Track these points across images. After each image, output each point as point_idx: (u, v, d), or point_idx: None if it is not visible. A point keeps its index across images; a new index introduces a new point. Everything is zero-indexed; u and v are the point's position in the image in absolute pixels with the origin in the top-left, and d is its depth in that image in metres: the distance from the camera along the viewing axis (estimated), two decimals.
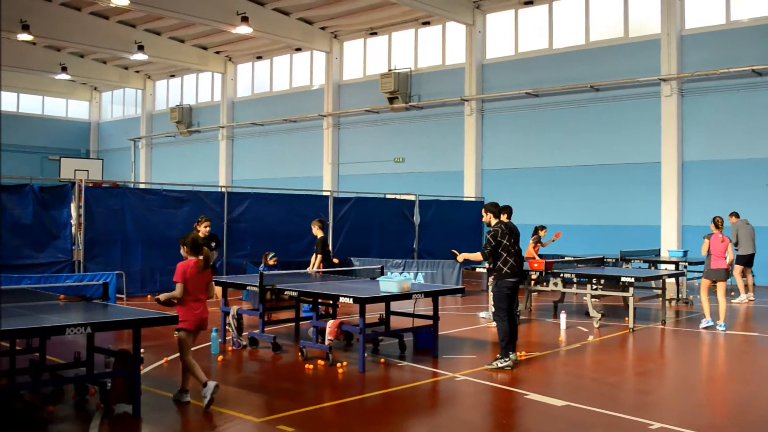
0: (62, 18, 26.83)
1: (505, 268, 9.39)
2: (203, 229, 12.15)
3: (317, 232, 14.04)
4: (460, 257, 10.34)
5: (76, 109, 40.47)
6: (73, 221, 16.53)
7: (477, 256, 9.96)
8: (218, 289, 11.88)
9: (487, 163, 24.25)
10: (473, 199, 23.95)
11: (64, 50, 32.56)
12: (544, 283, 14.08)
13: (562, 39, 22.90)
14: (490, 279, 10.11)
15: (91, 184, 17.31)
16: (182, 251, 7.85)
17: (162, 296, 7.66)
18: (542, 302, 16.20)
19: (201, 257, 7.74)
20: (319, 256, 13.89)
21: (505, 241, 9.44)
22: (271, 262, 14.28)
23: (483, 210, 9.92)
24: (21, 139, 36.96)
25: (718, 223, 12.86)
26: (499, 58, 24.24)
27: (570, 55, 22.57)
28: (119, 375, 7.20)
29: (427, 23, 25.87)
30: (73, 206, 16.30)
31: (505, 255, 9.41)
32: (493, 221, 9.70)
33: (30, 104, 38.65)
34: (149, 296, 8.78)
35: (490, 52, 24.48)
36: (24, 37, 25.27)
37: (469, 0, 23.84)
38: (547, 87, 22.64)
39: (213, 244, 12.19)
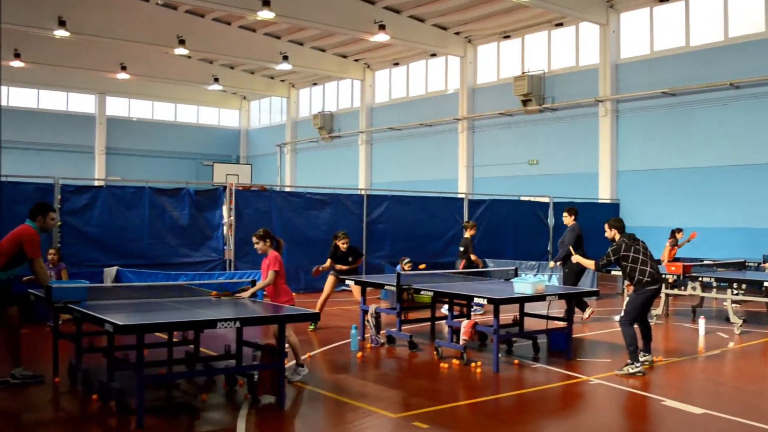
0: (214, 32, 28.08)
1: (645, 278, 9.06)
2: (342, 245, 12.33)
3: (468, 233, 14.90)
4: (575, 258, 10.09)
5: (227, 117, 42.17)
6: (225, 222, 17.26)
7: (590, 263, 9.66)
8: (357, 288, 12.14)
9: (623, 165, 23.49)
10: (608, 201, 23.27)
11: (216, 62, 34.03)
12: (682, 287, 13.50)
13: (700, 36, 21.84)
14: (626, 283, 9.83)
15: (241, 188, 18.01)
16: (263, 245, 8.60)
17: (250, 291, 8.46)
18: (679, 306, 15.55)
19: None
20: (473, 256, 14.59)
21: (632, 254, 9.12)
22: (405, 268, 14.41)
23: (606, 225, 9.60)
24: (178, 146, 38.96)
25: None
26: (633, 57, 23.42)
27: (708, 52, 21.51)
28: (265, 368, 7.46)
29: (560, 24, 25.34)
30: (224, 208, 17.03)
31: (639, 265, 9.08)
32: (617, 236, 9.40)
33: (186, 114, 40.63)
34: (213, 292, 9.03)
35: (624, 51, 23.70)
36: (180, 51, 26.57)
37: (602, 0, 23.19)
38: (684, 86, 21.67)
39: (350, 258, 12.38)
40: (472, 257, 14.83)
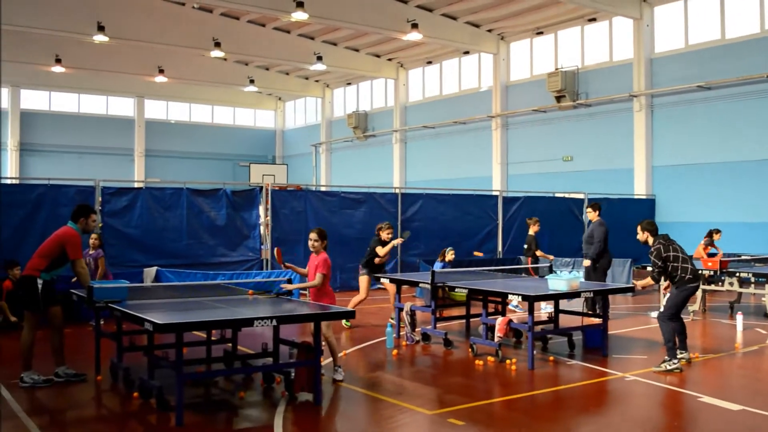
0: (249, 34, 28.28)
1: (687, 275, 8.95)
2: (385, 235, 12.28)
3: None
4: (639, 286, 9.80)
5: (263, 118, 42.44)
6: (262, 222, 17.40)
7: (648, 281, 9.38)
8: (392, 286, 12.15)
9: (658, 160, 23.18)
10: (644, 197, 23.00)
11: (251, 64, 34.26)
12: (719, 283, 13.31)
13: (735, 28, 21.46)
14: (662, 284, 9.71)
15: (277, 188, 18.17)
16: (320, 244, 8.44)
17: (295, 287, 8.63)
18: (716, 302, 15.33)
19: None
20: (539, 252, 14.72)
21: (671, 253, 9.01)
22: (449, 257, 14.40)
23: (639, 228, 9.46)
24: (215, 148, 39.30)
25: None
26: (668, 51, 23.10)
27: (744, 44, 21.12)
28: (302, 365, 7.52)
29: (593, 20, 25.08)
30: (261, 208, 17.17)
31: (680, 264, 8.97)
32: (651, 239, 9.26)
33: (222, 115, 40.97)
34: (250, 291, 9.08)
35: (658, 45, 23.39)
36: (216, 53, 26.80)
37: None
38: (720, 79, 21.31)
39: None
40: (538, 253, 14.72)
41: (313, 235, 8.49)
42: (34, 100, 35.48)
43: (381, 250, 12.04)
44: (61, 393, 7.87)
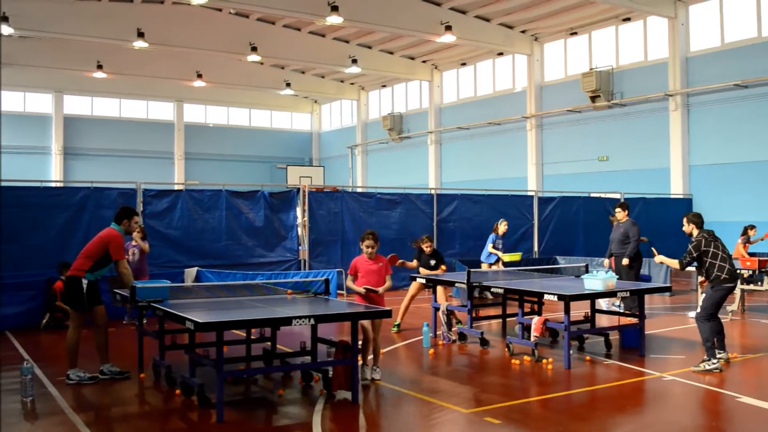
0: (285, 39, 28.50)
1: (723, 274, 8.82)
2: (425, 248, 12.31)
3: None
4: (657, 258, 9.80)
5: (299, 121, 42.67)
6: (299, 223, 17.51)
7: (674, 263, 9.29)
8: (441, 288, 12.17)
9: (695, 159, 22.86)
10: (681, 197, 22.70)
11: (288, 68, 34.49)
12: (758, 283, 13.09)
13: None
14: (700, 279, 9.58)
15: (314, 189, 18.23)
16: (376, 247, 8.51)
17: (381, 288, 8.38)
18: (755, 302, 15.07)
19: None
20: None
21: (711, 249, 8.87)
22: (502, 229, 15.92)
23: (684, 220, 9.35)
24: (252, 150, 39.60)
25: None
26: (703, 50, 22.78)
27: None
28: (339, 364, 7.55)
29: (627, 19, 24.83)
30: (298, 210, 17.28)
31: (718, 261, 8.84)
32: (695, 232, 9.14)
33: (260, 118, 41.28)
34: (289, 291, 9.09)
35: (694, 44, 23.07)
36: (253, 58, 27.02)
37: None
38: (757, 77, 20.95)
39: (433, 262, 12.36)
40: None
41: (370, 241, 8.47)
42: (77, 105, 36.10)
43: (423, 270, 12.14)
44: (106, 390, 8.01)
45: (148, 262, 13.50)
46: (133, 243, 12.65)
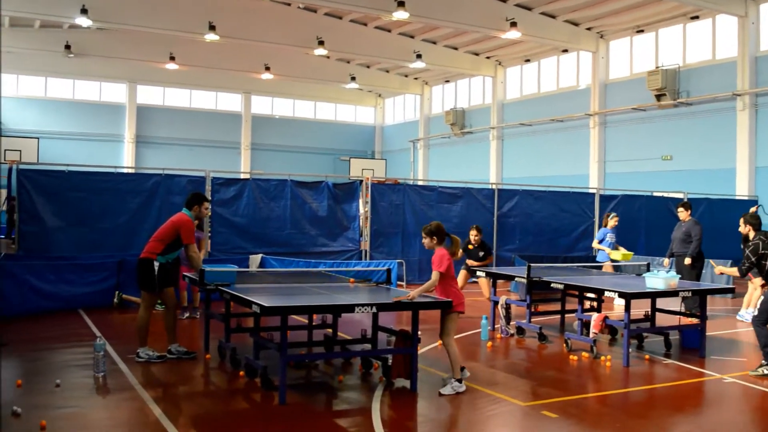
0: (351, 33, 28.62)
1: None
2: (473, 238, 12.32)
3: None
4: (717, 269, 9.55)
5: (363, 114, 42.84)
6: (361, 214, 17.61)
7: (734, 271, 9.04)
8: (485, 283, 12.14)
9: (762, 160, 22.17)
10: (746, 198, 22.06)
11: (353, 62, 34.64)
12: None
13: None
14: (759, 282, 9.32)
15: (376, 182, 18.31)
16: (430, 241, 7.67)
17: (415, 292, 7.41)
18: None
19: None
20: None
21: None
22: (612, 222, 14.58)
23: (741, 220, 9.09)
24: (317, 142, 39.92)
25: None
26: None
27: None
28: (399, 352, 7.58)
29: (695, 17, 24.20)
30: (360, 201, 17.38)
31: None
32: (752, 234, 8.88)
33: (324, 111, 41.58)
34: (351, 279, 9.07)
35: (764, 43, 22.34)
36: (320, 51, 27.20)
37: None
38: None
39: (481, 254, 12.33)
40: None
41: (422, 233, 7.76)
42: (149, 95, 36.92)
43: (470, 262, 12.31)
44: (173, 369, 8.21)
45: (215, 248, 13.76)
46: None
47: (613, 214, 14.98)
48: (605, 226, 14.76)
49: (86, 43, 29.30)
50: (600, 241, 14.64)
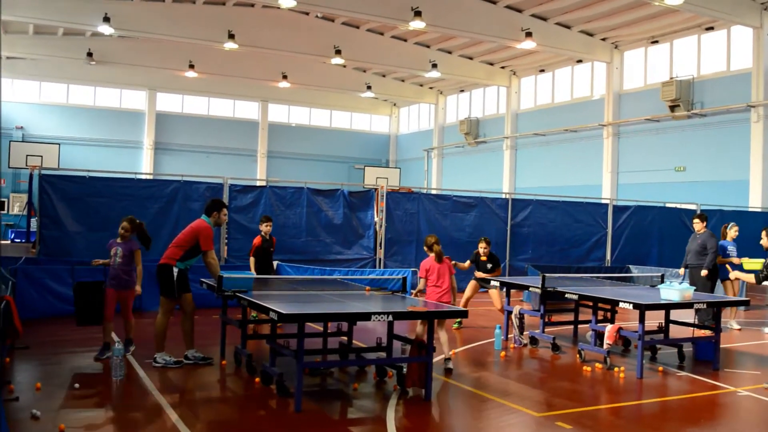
0: (368, 42, 28.69)
1: None
2: (483, 250, 12.32)
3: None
4: (733, 275, 9.45)
5: (378, 123, 42.88)
6: (376, 222, 17.60)
7: (750, 278, 8.97)
8: (495, 294, 12.15)
9: None
10: (759, 210, 21.88)
11: (369, 71, 34.69)
12: None
13: None
14: None
15: (390, 190, 18.29)
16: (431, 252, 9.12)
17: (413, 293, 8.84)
18: None
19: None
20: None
21: None
22: (732, 234, 13.27)
23: (763, 233, 9.00)
24: (332, 150, 40.00)
25: None
26: None
27: None
28: (414, 361, 7.56)
29: (710, 29, 24.07)
30: (375, 209, 17.36)
31: None
32: None
33: (340, 119, 41.66)
34: (367, 288, 9.12)
35: None
36: (336, 60, 27.28)
37: (756, 2, 21.81)
38: None
39: (489, 266, 12.29)
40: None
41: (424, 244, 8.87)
42: (168, 102, 37.12)
43: (478, 274, 12.30)
44: (190, 374, 8.22)
45: (232, 255, 13.69)
46: (118, 240, 9.32)
47: (732, 224, 13.61)
48: (724, 238, 13.40)
49: (108, 50, 29.51)
50: (723, 256, 13.06)
